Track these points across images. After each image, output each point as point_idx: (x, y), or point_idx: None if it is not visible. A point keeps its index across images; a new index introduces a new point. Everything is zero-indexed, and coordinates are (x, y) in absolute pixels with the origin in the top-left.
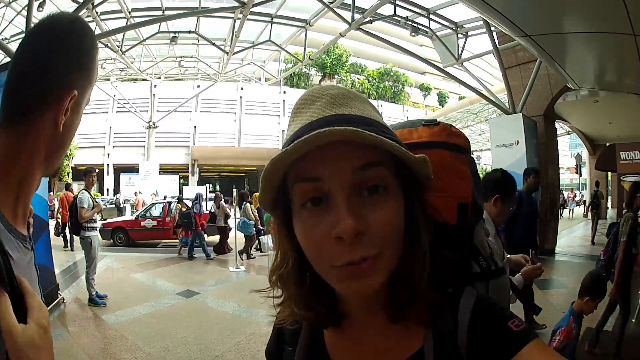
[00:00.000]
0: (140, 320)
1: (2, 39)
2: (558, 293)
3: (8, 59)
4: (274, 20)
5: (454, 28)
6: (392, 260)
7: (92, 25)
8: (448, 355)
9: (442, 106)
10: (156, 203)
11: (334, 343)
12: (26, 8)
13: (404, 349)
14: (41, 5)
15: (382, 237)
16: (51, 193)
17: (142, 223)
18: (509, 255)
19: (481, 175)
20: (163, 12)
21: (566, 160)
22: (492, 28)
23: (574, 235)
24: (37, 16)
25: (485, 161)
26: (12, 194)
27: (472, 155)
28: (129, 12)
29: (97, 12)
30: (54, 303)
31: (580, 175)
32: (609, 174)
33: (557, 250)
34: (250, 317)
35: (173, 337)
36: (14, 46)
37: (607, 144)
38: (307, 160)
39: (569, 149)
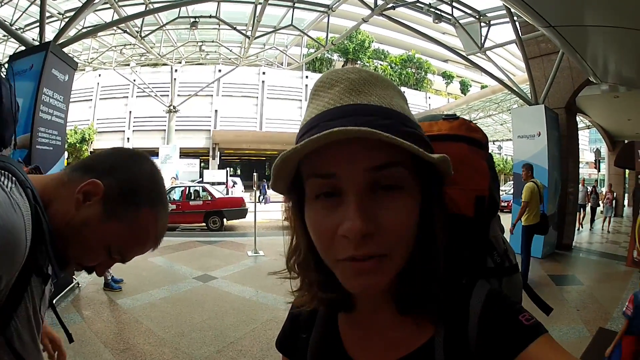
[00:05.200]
0: (156, 305)
1: (17, 29)
2: (574, 290)
3: (23, 48)
4: (296, 5)
5: (477, 16)
6: (401, 262)
7: (110, 12)
8: (457, 347)
9: (465, 94)
10: (176, 187)
11: (347, 331)
12: None
13: (414, 339)
14: None
15: (393, 239)
16: None
17: None
18: None
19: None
20: None
21: (585, 154)
22: (515, 18)
23: (592, 232)
24: (51, 5)
25: (507, 151)
26: None
27: (489, 151)
28: None
29: None
30: (68, 287)
31: (599, 171)
32: (627, 171)
33: (574, 245)
34: (267, 302)
35: (188, 322)
36: (28, 35)
37: (626, 141)
38: (321, 154)
39: (588, 143)
